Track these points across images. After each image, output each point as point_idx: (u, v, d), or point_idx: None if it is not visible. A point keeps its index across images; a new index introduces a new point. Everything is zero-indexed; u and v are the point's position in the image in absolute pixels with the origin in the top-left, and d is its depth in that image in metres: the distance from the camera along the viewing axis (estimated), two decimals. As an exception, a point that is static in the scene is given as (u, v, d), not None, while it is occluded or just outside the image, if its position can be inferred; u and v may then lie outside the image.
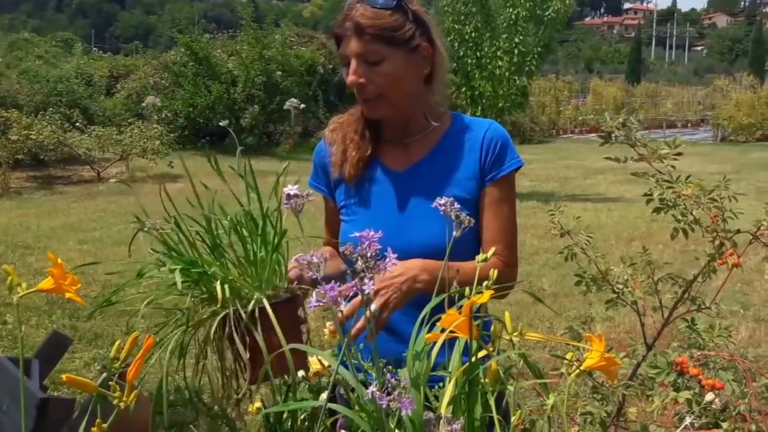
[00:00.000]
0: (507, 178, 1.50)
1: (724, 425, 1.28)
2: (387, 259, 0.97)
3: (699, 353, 1.31)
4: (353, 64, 1.40)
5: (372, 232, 0.95)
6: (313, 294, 0.92)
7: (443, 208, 1.10)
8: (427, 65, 1.46)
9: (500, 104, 11.77)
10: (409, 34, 1.42)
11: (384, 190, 1.47)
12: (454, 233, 1.14)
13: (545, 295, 5.57)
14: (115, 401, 0.96)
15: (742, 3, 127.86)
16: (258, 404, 1.93)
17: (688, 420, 0.84)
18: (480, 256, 1.16)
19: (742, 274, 5.57)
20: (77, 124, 13.45)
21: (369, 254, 0.95)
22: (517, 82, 11.79)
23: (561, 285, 5.74)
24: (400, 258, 1.25)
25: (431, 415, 0.80)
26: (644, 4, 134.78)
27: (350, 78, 1.40)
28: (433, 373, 1.07)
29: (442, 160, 1.50)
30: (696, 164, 14.85)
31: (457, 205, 1.12)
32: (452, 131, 1.53)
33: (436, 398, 1.08)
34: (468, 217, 1.14)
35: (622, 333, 4.52)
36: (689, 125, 32.01)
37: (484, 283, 1.12)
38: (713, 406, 1.09)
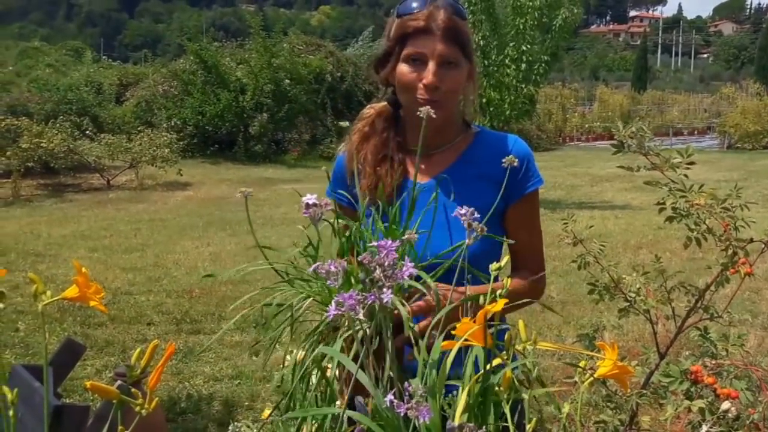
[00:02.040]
0: (533, 195, 1.53)
1: (738, 434, 1.28)
2: (405, 268, 0.98)
3: (712, 362, 1.32)
4: (433, 65, 1.40)
5: (389, 242, 0.97)
6: (333, 303, 0.93)
7: (464, 217, 1.11)
8: (473, 81, 1.51)
9: (507, 112, 11.79)
10: (472, 47, 1.49)
11: (406, 201, 1.47)
12: (468, 241, 1.16)
13: (553, 303, 5.57)
14: (137, 408, 0.97)
15: (748, 10, 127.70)
16: (268, 410, 1.93)
17: (705, 428, 0.85)
18: (494, 265, 1.17)
19: (751, 283, 5.56)
20: (87, 132, 13.54)
21: (387, 263, 0.96)
22: (525, 90, 11.81)
23: (569, 293, 5.74)
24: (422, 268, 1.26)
25: (454, 424, 0.81)
26: (650, 11, 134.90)
27: (430, 78, 1.39)
28: (448, 383, 1.08)
29: (465, 173, 1.51)
30: (703, 172, 14.82)
31: (477, 215, 1.13)
32: (476, 145, 1.54)
33: (450, 406, 1.09)
34: (481, 225, 1.15)
35: (630, 341, 4.51)
36: (695, 133, 31.94)
37: (498, 292, 1.13)
38: (729, 414, 1.10)
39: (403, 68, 1.44)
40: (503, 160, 1.28)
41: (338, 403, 1.13)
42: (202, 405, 3.75)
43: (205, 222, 9.16)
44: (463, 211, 1.10)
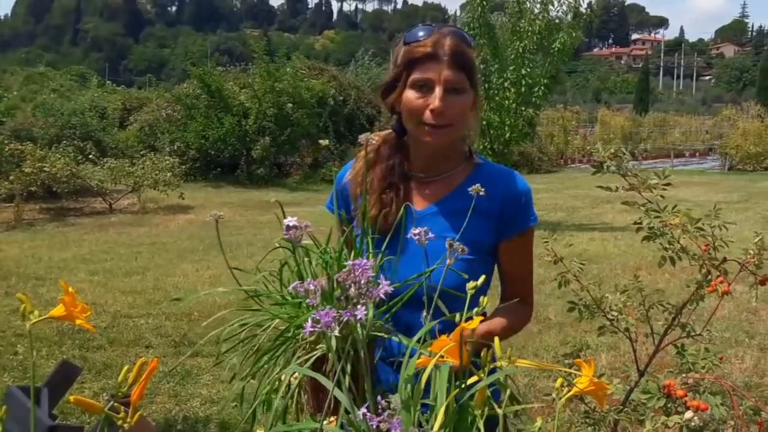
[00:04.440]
0: (527, 231, 1.54)
1: (713, 449, 1.31)
2: (380, 287, 1.01)
3: (685, 375, 1.35)
4: (440, 90, 1.42)
5: (365, 261, 1.00)
6: (309, 320, 0.96)
7: (417, 237, 1.13)
8: (476, 110, 1.52)
9: (507, 135, 11.86)
10: (478, 76, 1.51)
11: (406, 227, 1.47)
12: (449, 261, 1.18)
13: (551, 324, 5.58)
14: (120, 422, 1.00)
15: (750, 33, 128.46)
16: (261, 430, 1.95)
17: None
18: (471, 284, 1.19)
19: (748, 303, 5.58)
20: (90, 156, 13.63)
21: (362, 281, 0.99)
22: (524, 113, 11.89)
23: (567, 314, 5.71)
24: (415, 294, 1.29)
25: (415, 431, 0.84)
26: (652, 34, 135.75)
27: (437, 103, 1.41)
28: (426, 401, 1.10)
29: (461, 203, 1.49)
30: (703, 193, 14.84)
31: (450, 236, 1.16)
32: (475, 176, 1.54)
33: (428, 423, 1.12)
34: (461, 245, 1.17)
35: (627, 362, 4.51)
36: (697, 154, 32.04)
37: (475, 310, 1.16)
38: (692, 424, 1.12)
39: (409, 94, 1.45)
40: (470, 189, 1.30)
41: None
42: (198, 427, 3.76)
43: (206, 245, 9.20)
44: (416, 232, 1.13)
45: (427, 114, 1.43)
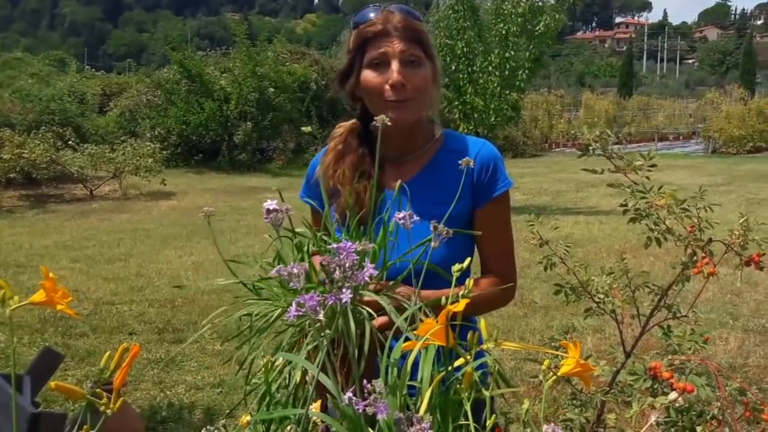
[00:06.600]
0: (501, 198, 1.51)
1: (699, 429, 1.31)
2: (365, 270, 0.99)
3: (671, 357, 1.35)
4: (396, 64, 1.41)
5: (349, 244, 0.98)
6: (294, 304, 0.94)
7: (402, 222, 1.12)
8: (437, 84, 1.51)
9: (492, 119, 11.85)
10: (433, 48, 1.50)
11: (376, 209, 1.46)
12: (433, 244, 1.17)
13: (537, 307, 5.60)
14: (102, 408, 0.98)
15: (733, 16, 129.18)
16: (248, 417, 1.94)
17: (653, 418, 0.88)
18: (456, 266, 1.18)
19: (732, 285, 5.63)
20: (70, 142, 13.48)
21: (347, 265, 0.97)
22: (508, 96, 11.88)
23: (553, 298, 5.75)
24: (392, 275, 1.27)
25: (401, 415, 0.83)
26: (635, 18, 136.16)
27: (395, 77, 1.40)
28: (412, 383, 1.08)
29: (433, 179, 1.50)
30: (687, 176, 14.95)
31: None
32: (444, 150, 1.54)
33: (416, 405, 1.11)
34: (446, 228, 1.16)
35: (613, 344, 4.54)
36: (681, 138, 32.25)
37: (460, 293, 1.14)
38: (677, 405, 1.12)
39: (367, 74, 1.45)
40: (459, 162, 1.28)
41: (315, 405, 1.14)
42: (183, 413, 3.75)
43: (189, 231, 9.14)
44: (401, 216, 1.11)
45: (388, 90, 1.42)
